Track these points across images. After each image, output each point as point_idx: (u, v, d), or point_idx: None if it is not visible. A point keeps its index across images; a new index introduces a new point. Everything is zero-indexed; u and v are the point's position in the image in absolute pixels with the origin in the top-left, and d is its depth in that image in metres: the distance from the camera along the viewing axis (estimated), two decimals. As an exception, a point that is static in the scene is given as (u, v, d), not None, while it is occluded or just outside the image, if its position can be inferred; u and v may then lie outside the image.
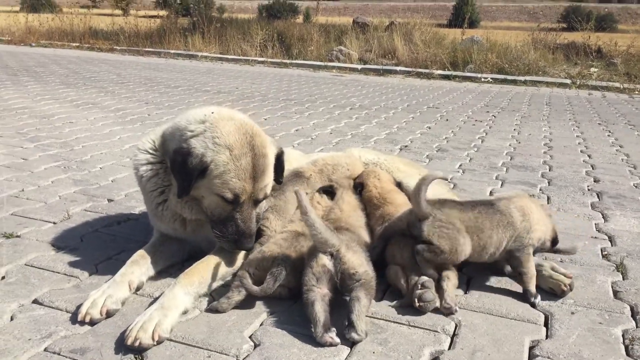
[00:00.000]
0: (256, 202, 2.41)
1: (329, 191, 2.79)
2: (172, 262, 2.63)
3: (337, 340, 2.02)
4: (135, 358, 1.95)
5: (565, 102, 9.65)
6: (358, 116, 7.41)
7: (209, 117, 2.36)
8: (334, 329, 2.04)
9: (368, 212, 2.75)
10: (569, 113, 8.35)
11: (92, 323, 2.15)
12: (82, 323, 2.14)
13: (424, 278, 2.30)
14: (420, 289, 2.27)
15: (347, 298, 2.13)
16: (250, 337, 2.09)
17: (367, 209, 2.77)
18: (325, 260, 2.16)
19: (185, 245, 2.68)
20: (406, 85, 11.60)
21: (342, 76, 13.22)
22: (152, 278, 2.51)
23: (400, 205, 2.65)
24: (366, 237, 2.57)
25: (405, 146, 5.62)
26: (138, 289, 2.41)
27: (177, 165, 2.30)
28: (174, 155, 2.33)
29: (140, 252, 2.51)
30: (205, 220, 2.50)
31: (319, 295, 2.10)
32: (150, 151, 2.56)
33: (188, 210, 2.48)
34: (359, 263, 2.16)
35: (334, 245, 2.17)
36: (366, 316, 2.22)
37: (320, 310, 2.06)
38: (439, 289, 2.32)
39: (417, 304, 2.25)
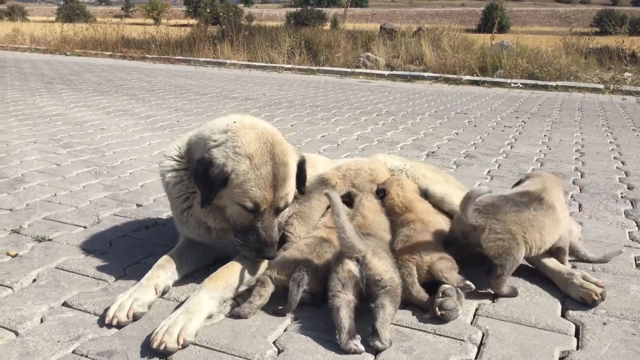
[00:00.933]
0: (277, 211, 2.41)
1: (346, 201, 2.78)
2: (197, 267, 2.66)
3: (362, 347, 2.00)
4: (161, 360, 1.97)
5: (598, 107, 9.42)
6: (384, 122, 7.38)
7: (231, 127, 2.38)
8: (358, 336, 2.02)
9: (390, 220, 2.73)
10: (602, 119, 8.14)
11: (119, 326, 2.18)
12: (110, 326, 2.17)
13: (446, 286, 2.26)
14: (442, 297, 2.23)
15: (372, 305, 2.11)
16: (274, 342, 2.09)
17: (389, 216, 2.74)
18: (351, 265, 2.15)
19: (211, 251, 2.70)
20: (434, 91, 11.50)
21: (369, 82, 13.20)
22: (178, 282, 2.54)
23: (420, 212, 2.62)
24: (388, 240, 2.54)
25: (432, 152, 5.57)
26: (164, 292, 2.44)
27: (200, 175, 2.33)
28: (196, 165, 2.36)
29: (167, 257, 2.54)
30: (229, 228, 2.52)
31: (345, 302, 2.09)
32: (176, 158, 2.60)
33: (212, 219, 2.50)
34: (385, 269, 2.14)
35: (361, 251, 2.15)
36: (391, 324, 2.21)
37: (346, 317, 2.05)
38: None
39: (439, 312, 2.21)
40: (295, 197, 2.64)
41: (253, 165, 2.29)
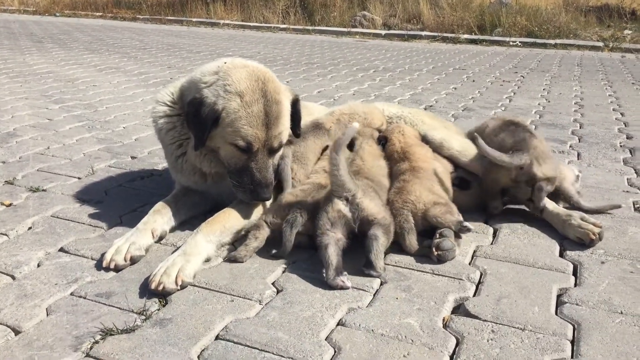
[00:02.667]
0: (271, 151, 2.36)
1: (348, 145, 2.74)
2: (194, 213, 2.63)
3: (349, 284, 2.02)
4: (160, 302, 1.96)
5: (597, 63, 9.31)
6: (382, 78, 7.28)
7: (222, 67, 2.33)
8: (345, 272, 2.04)
9: (389, 167, 2.70)
10: (601, 74, 8.05)
11: (117, 269, 2.17)
12: (107, 269, 2.16)
13: (443, 228, 2.26)
14: (439, 237, 2.23)
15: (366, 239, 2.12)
16: (273, 283, 2.09)
17: (389, 162, 2.72)
18: (340, 205, 2.14)
19: (207, 197, 2.67)
20: (431, 49, 11.34)
21: (366, 42, 12.98)
22: (176, 228, 2.52)
23: (417, 159, 2.58)
24: (387, 185, 2.53)
25: (430, 106, 5.51)
26: (161, 238, 2.42)
27: (191, 117, 2.29)
28: (188, 107, 2.32)
29: (163, 202, 2.52)
30: (224, 173, 2.49)
31: (333, 239, 2.10)
32: (169, 104, 2.54)
33: (207, 163, 2.47)
34: (377, 210, 2.15)
35: (350, 190, 2.15)
36: (391, 265, 2.22)
37: (333, 254, 2.05)
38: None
39: (436, 253, 2.21)
40: (291, 142, 2.60)
41: (244, 103, 2.24)
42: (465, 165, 2.75)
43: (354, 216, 2.14)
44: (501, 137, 2.70)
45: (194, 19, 17.22)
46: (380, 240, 2.08)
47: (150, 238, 2.33)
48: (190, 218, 2.61)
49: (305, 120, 2.87)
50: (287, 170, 2.50)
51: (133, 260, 2.21)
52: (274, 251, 2.27)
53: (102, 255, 2.23)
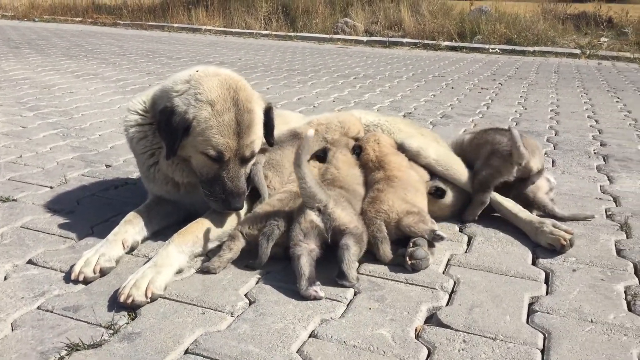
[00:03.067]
0: (243, 160, 2.33)
1: (320, 156, 2.74)
2: (167, 223, 2.60)
3: (321, 294, 2.00)
4: (129, 315, 1.92)
5: (574, 70, 9.47)
6: (362, 85, 7.30)
7: (194, 76, 2.31)
8: (318, 282, 2.03)
9: (364, 176, 2.70)
10: (578, 81, 8.18)
11: (86, 282, 2.12)
12: (76, 282, 2.11)
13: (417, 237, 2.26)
14: (412, 246, 2.23)
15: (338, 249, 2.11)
16: (245, 294, 2.06)
17: (364, 171, 2.71)
18: (313, 216, 2.13)
19: (181, 207, 2.64)
20: (412, 56, 11.42)
21: (347, 48, 13.03)
22: (148, 239, 2.48)
23: (392, 168, 2.59)
24: (362, 194, 2.52)
25: (409, 113, 5.53)
26: (133, 248, 2.38)
27: (162, 125, 2.27)
28: (159, 116, 2.29)
29: (134, 212, 2.48)
30: (198, 182, 2.46)
31: (305, 250, 2.08)
32: (141, 112, 2.51)
33: (179, 173, 2.44)
34: (349, 219, 2.14)
35: (322, 201, 2.14)
36: (365, 274, 2.21)
37: (306, 264, 2.04)
38: None
39: (409, 262, 2.20)
40: (265, 150, 2.58)
41: (215, 112, 2.22)
42: (442, 173, 2.76)
43: (326, 226, 2.13)
44: (498, 139, 2.79)
45: (176, 25, 17.13)
46: (352, 250, 2.07)
47: (121, 249, 2.29)
48: (163, 228, 2.57)
49: (282, 129, 2.87)
50: (259, 175, 2.48)
51: (103, 272, 2.17)
52: (250, 261, 2.24)
53: (71, 267, 2.18)
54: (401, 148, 2.84)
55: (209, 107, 2.22)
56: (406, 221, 2.28)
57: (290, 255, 2.12)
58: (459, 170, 2.78)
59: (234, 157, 2.29)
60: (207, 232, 2.33)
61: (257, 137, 2.36)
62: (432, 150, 2.81)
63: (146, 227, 2.47)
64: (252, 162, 2.43)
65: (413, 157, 2.79)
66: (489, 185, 2.70)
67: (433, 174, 2.79)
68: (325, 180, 2.55)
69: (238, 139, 2.27)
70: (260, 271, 2.22)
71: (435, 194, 2.67)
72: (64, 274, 2.18)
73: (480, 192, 2.71)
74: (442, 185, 2.71)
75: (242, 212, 2.48)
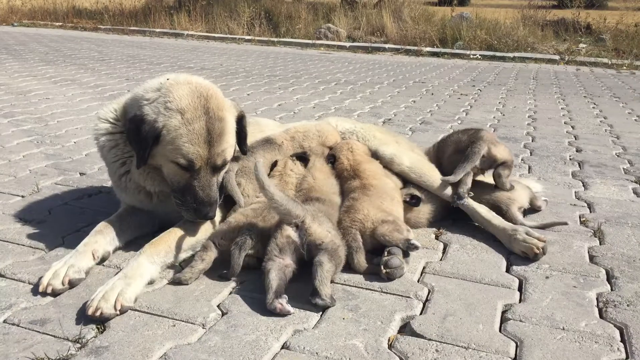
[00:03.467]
0: (215, 169, 2.30)
1: (303, 157, 2.72)
2: (140, 233, 2.56)
3: (287, 307, 1.95)
4: (97, 328, 1.88)
5: (552, 76, 9.59)
6: (343, 91, 7.31)
7: (164, 84, 2.28)
8: (285, 296, 1.99)
9: (340, 185, 2.69)
10: (555, 87, 8.28)
11: (54, 294, 2.08)
12: (44, 294, 2.07)
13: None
14: (387, 255, 2.22)
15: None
16: (218, 305, 2.04)
17: (339, 180, 2.71)
18: (290, 231, 2.11)
19: (154, 216, 2.60)
20: (394, 62, 11.47)
21: (330, 54, 13.05)
22: (121, 249, 2.45)
23: (367, 176, 2.58)
24: (339, 203, 2.51)
25: (389, 119, 5.55)
26: (104, 259, 2.34)
27: (132, 134, 2.24)
28: (129, 124, 2.26)
29: (105, 222, 2.44)
30: (169, 191, 2.43)
31: (277, 265, 2.06)
32: (112, 121, 2.46)
33: (150, 182, 2.41)
34: (325, 234, 2.11)
35: (299, 216, 2.12)
36: (339, 284, 2.19)
37: (275, 278, 2.02)
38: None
39: (384, 271, 2.19)
40: (238, 158, 2.56)
41: (185, 120, 2.19)
42: (415, 181, 2.77)
43: (302, 241, 2.10)
44: (457, 137, 2.96)
45: (157, 30, 17.02)
46: (326, 267, 2.03)
47: (91, 260, 2.25)
48: (136, 238, 2.53)
49: (257, 136, 2.85)
50: (232, 183, 2.46)
51: (72, 284, 2.12)
52: (224, 272, 2.21)
53: (40, 279, 2.13)
54: (375, 155, 2.84)
55: (178, 115, 2.19)
56: (381, 230, 2.27)
57: (262, 270, 2.09)
58: (433, 177, 2.79)
59: (205, 166, 2.26)
60: (180, 242, 2.30)
61: (228, 145, 2.33)
62: (406, 158, 2.81)
63: (118, 237, 2.42)
64: (224, 170, 2.40)
65: (387, 164, 2.80)
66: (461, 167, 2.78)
67: (407, 181, 2.79)
68: (301, 189, 2.54)
69: (209, 147, 2.24)
70: (234, 281, 2.20)
71: (410, 202, 2.66)
72: (32, 286, 2.14)
73: (461, 186, 2.76)
74: (417, 192, 2.71)
75: (216, 220, 2.46)
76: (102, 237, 2.34)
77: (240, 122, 2.43)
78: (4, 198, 3.05)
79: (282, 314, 1.95)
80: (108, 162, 2.51)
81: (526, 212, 2.96)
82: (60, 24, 18.89)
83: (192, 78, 2.35)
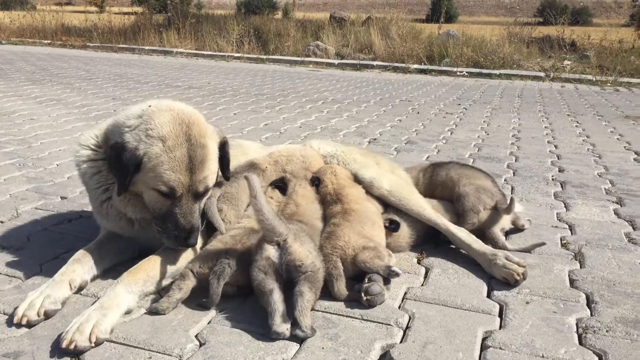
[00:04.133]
0: (197, 196, 2.29)
1: (280, 186, 2.72)
2: (120, 260, 2.53)
3: (287, 334, 1.96)
4: (72, 360, 1.85)
5: (537, 94, 9.71)
6: (329, 110, 7.34)
7: (146, 111, 2.27)
8: (290, 321, 1.98)
9: (323, 209, 2.68)
10: (540, 105, 8.38)
11: (30, 325, 2.04)
12: (19, 325, 2.03)
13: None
14: (367, 282, 2.21)
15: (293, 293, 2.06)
16: (196, 336, 2.01)
17: (322, 205, 2.70)
18: (270, 251, 2.09)
19: (134, 243, 2.58)
20: (381, 80, 11.56)
21: (318, 71, 13.14)
22: (99, 277, 2.41)
23: (350, 201, 2.58)
24: (321, 228, 2.50)
25: (374, 139, 5.57)
26: (81, 288, 2.31)
27: (113, 161, 2.22)
28: (110, 151, 2.25)
29: (84, 250, 2.41)
30: (151, 218, 2.41)
31: (277, 284, 2.04)
32: (93, 147, 2.45)
33: (132, 209, 2.39)
34: (306, 254, 2.09)
35: (282, 234, 2.09)
36: (320, 311, 2.17)
37: (279, 300, 2.00)
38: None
39: (365, 298, 2.18)
40: (221, 184, 2.55)
41: (166, 148, 2.18)
42: (395, 204, 2.77)
43: (281, 261, 2.08)
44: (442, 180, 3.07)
45: (147, 47, 17.06)
46: (306, 297, 2.01)
47: (68, 290, 2.21)
48: (115, 265, 2.50)
49: (240, 159, 2.85)
50: (213, 210, 2.44)
51: (47, 315, 2.09)
52: (203, 300, 2.19)
53: (15, 309, 2.10)
54: (356, 179, 2.84)
55: (160, 143, 2.18)
56: (362, 257, 2.26)
57: (257, 290, 2.07)
58: (412, 201, 2.78)
59: (187, 193, 2.25)
60: (159, 270, 2.27)
61: (210, 172, 2.32)
62: (386, 181, 2.81)
63: (96, 265, 2.40)
64: (206, 197, 2.39)
65: (366, 187, 2.80)
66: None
67: (388, 205, 2.79)
68: (284, 215, 2.53)
69: (190, 174, 2.23)
70: (213, 309, 2.18)
71: (389, 227, 2.65)
72: (7, 317, 2.10)
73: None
74: (396, 217, 2.70)
75: (197, 248, 2.44)
76: (80, 266, 2.32)
77: (223, 147, 2.43)
78: (-18, 224, 3.01)
79: (284, 338, 1.95)
80: (89, 189, 2.49)
81: (508, 233, 2.98)
82: (49, 41, 18.89)
83: (174, 104, 2.34)
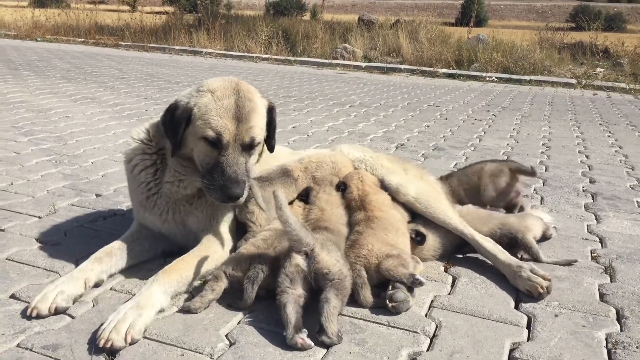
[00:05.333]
0: (244, 148, 2.34)
1: (303, 197, 2.76)
2: (140, 260, 2.61)
3: (308, 341, 1.97)
4: (108, 357, 1.91)
5: (568, 102, 9.56)
6: (357, 114, 7.36)
7: (198, 83, 2.45)
8: (305, 330, 1.99)
9: (348, 215, 2.70)
10: (571, 113, 8.25)
11: (39, 318, 2.10)
12: (30, 317, 2.10)
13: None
14: (392, 289, 2.23)
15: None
16: (226, 335, 2.06)
17: (347, 210, 2.72)
18: (299, 260, 2.12)
19: (159, 244, 2.66)
20: (409, 84, 11.53)
21: (346, 74, 13.16)
22: (134, 273, 2.49)
23: (374, 209, 2.59)
24: (346, 233, 2.53)
25: (402, 144, 5.57)
26: (97, 285, 2.37)
27: (167, 121, 2.36)
28: (164, 116, 2.40)
29: (106, 249, 2.47)
30: (189, 214, 2.51)
31: (292, 297, 2.07)
32: (145, 141, 2.57)
33: (182, 186, 2.48)
34: (333, 262, 2.12)
35: (309, 244, 2.13)
36: (347, 316, 2.20)
37: (292, 312, 2.02)
38: None
39: (390, 305, 2.20)
40: (255, 179, 2.61)
41: (215, 97, 2.30)
42: (421, 212, 2.75)
43: (309, 269, 2.12)
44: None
45: (177, 47, 17.34)
46: (332, 303, 2.03)
47: (82, 288, 2.27)
48: (131, 266, 2.56)
49: (271, 163, 2.89)
50: (254, 188, 2.49)
51: (57, 312, 2.14)
52: (235, 302, 2.23)
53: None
54: (382, 183, 2.85)
55: (209, 94, 2.32)
56: (386, 265, 2.28)
57: (276, 302, 2.10)
58: (439, 208, 2.74)
59: (234, 143, 2.31)
60: (193, 271, 2.32)
61: (256, 124, 2.36)
62: (412, 187, 2.80)
63: (116, 265, 2.47)
64: (253, 153, 2.41)
65: (393, 193, 2.79)
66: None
67: (415, 213, 2.79)
68: (308, 220, 2.56)
69: (237, 122, 2.30)
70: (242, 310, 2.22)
71: (415, 240, 2.63)
72: (46, 310, 2.18)
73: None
74: (422, 229, 2.67)
75: (227, 249, 2.49)
76: (99, 266, 2.38)
77: (271, 113, 2.50)
78: (22, 218, 3.12)
79: (304, 348, 1.96)
80: (136, 182, 2.56)
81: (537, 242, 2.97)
82: (82, 39, 19.34)
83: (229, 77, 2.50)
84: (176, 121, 2.32)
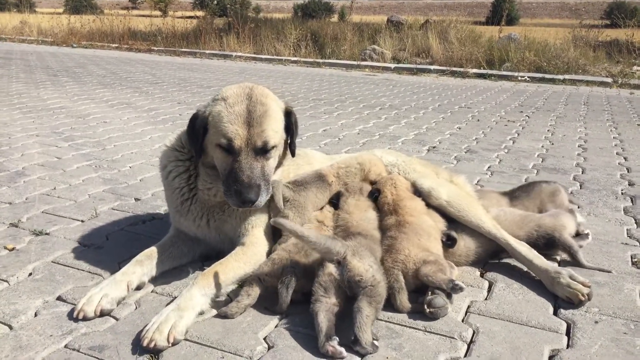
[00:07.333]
0: (257, 152, 2.36)
1: (333, 202, 2.79)
2: (179, 264, 2.67)
3: (339, 349, 1.97)
4: (151, 357, 1.98)
5: (604, 101, 9.33)
6: (387, 116, 7.35)
7: (219, 91, 2.53)
8: (336, 337, 2.00)
9: (380, 220, 2.71)
10: (607, 113, 8.06)
11: (85, 319, 2.18)
12: (76, 320, 2.18)
13: None
14: (431, 295, 2.23)
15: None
16: (264, 338, 2.10)
17: (379, 215, 2.73)
18: (331, 268, 2.15)
19: (197, 247, 2.72)
20: (439, 85, 11.44)
21: (375, 75, 13.14)
22: (174, 276, 2.56)
23: (406, 214, 2.59)
24: (379, 237, 2.54)
25: (434, 147, 5.54)
26: (138, 288, 2.45)
27: (190, 131, 2.48)
28: (188, 125, 2.51)
29: (147, 252, 2.55)
30: (225, 219, 2.56)
31: (324, 306, 2.09)
32: (179, 148, 2.65)
33: (212, 194, 2.55)
34: (365, 269, 2.12)
35: (339, 253, 2.16)
36: (383, 321, 2.21)
37: (324, 320, 2.04)
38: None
39: (428, 310, 2.20)
40: (291, 187, 2.65)
41: (227, 104, 2.38)
42: (454, 215, 2.73)
43: (343, 277, 2.13)
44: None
45: (207, 51, 17.60)
46: (365, 312, 2.03)
47: (125, 291, 2.35)
48: (172, 269, 2.63)
49: (305, 168, 2.93)
50: (277, 190, 2.53)
51: (102, 314, 2.23)
52: (271, 306, 2.27)
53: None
54: (415, 188, 2.85)
55: (222, 102, 2.40)
56: (424, 270, 2.28)
57: (310, 312, 2.13)
58: (472, 212, 2.71)
59: (246, 147, 2.35)
60: (230, 275, 2.37)
61: (269, 128, 2.38)
62: (444, 191, 2.78)
63: (156, 268, 2.54)
64: (269, 156, 2.42)
65: (425, 197, 2.78)
66: None
67: (450, 217, 2.78)
68: (338, 226, 2.59)
69: (248, 127, 2.35)
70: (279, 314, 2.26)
71: (445, 243, 2.62)
72: (91, 312, 2.26)
73: None
74: (454, 234, 2.65)
75: (264, 250, 2.53)
76: (140, 269, 2.46)
77: (289, 116, 2.54)
78: (65, 222, 3.23)
79: (335, 357, 1.97)
80: (172, 188, 2.65)
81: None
82: (116, 45, 19.81)
83: (245, 83, 2.56)
84: (196, 130, 2.42)
